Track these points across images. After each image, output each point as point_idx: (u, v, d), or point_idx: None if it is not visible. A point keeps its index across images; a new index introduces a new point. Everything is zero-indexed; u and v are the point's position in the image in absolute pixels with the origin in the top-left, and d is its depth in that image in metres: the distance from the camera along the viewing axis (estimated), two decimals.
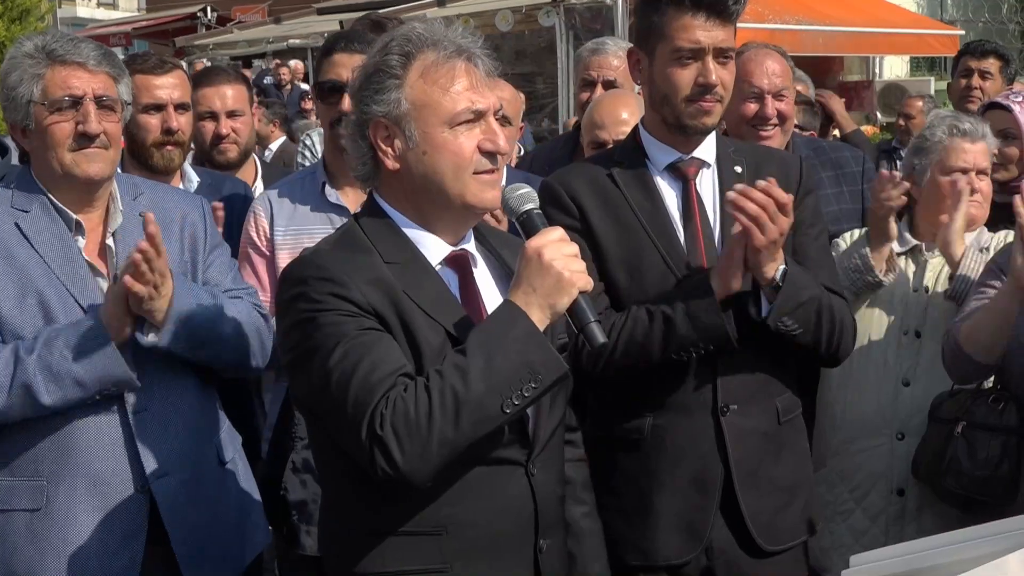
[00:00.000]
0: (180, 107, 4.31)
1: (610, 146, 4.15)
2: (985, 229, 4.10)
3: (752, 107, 4.31)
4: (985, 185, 4.01)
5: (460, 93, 2.58)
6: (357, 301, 2.48)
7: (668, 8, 3.16)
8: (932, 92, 14.61)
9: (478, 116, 2.60)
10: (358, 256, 2.57)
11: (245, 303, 3.39)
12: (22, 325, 3.09)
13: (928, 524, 3.85)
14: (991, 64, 6.48)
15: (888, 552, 2.37)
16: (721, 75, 3.16)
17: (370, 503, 2.58)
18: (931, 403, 3.82)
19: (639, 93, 3.83)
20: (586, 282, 2.50)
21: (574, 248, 2.52)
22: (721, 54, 3.15)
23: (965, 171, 3.97)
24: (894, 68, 23.15)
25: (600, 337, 2.53)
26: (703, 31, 3.12)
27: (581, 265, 2.51)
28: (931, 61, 24.02)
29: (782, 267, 3.08)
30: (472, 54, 2.62)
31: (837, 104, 7.60)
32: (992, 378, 3.75)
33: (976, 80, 6.45)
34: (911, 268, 4.07)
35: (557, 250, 2.48)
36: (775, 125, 4.31)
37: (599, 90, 5.12)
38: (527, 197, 2.61)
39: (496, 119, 2.64)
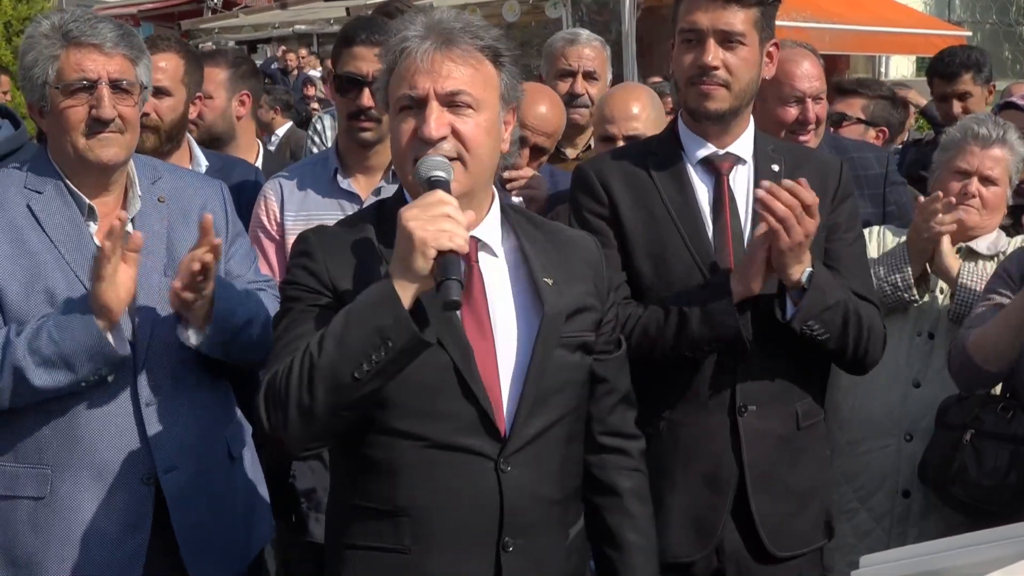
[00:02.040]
0: (158, 91, 4.25)
1: (619, 141, 4.14)
2: (1003, 234, 4.09)
3: (793, 111, 4.26)
4: (989, 192, 3.97)
5: (403, 79, 2.56)
6: (319, 276, 2.57)
7: None
8: None
9: (416, 102, 2.55)
10: (347, 234, 2.63)
11: (269, 297, 3.37)
12: (27, 310, 3.06)
13: (932, 527, 3.83)
14: (965, 83, 6.14)
15: (897, 554, 2.36)
16: (725, 59, 3.12)
17: (346, 476, 2.66)
18: (938, 407, 3.80)
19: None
20: (447, 240, 2.36)
21: (444, 208, 2.39)
22: (726, 38, 3.12)
23: (967, 174, 3.96)
24: (900, 68, 23.11)
25: (452, 294, 2.34)
26: (704, 13, 3.12)
27: (448, 224, 2.37)
28: None
29: (808, 269, 3.05)
30: (446, 39, 2.56)
31: (914, 96, 7.51)
32: (1000, 385, 3.71)
33: (957, 106, 6.12)
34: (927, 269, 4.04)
35: (419, 211, 2.39)
36: (812, 129, 4.28)
37: (579, 80, 5.10)
38: (432, 165, 2.50)
39: (453, 104, 2.54)
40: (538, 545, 2.65)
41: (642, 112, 4.21)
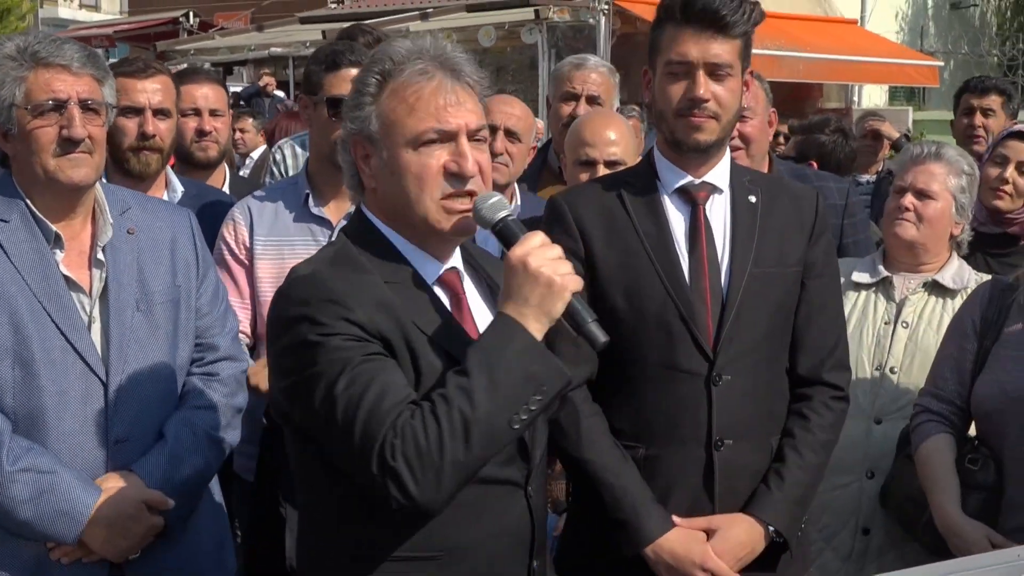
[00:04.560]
0: (160, 112, 4.26)
1: (599, 165, 4.14)
2: (965, 265, 4.10)
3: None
4: (925, 206, 3.99)
5: (427, 112, 2.52)
6: (363, 324, 2.42)
7: (666, 23, 3.13)
8: (910, 122, 14.70)
9: (445, 136, 2.52)
10: (360, 276, 2.50)
11: (238, 344, 3.38)
12: None
13: (891, 564, 3.78)
14: (993, 101, 6.38)
15: None
16: (715, 91, 3.08)
17: (363, 527, 2.50)
18: (899, 436, 3.80)
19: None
20: (576, 283, 2.45)
21: (558, 250, 2.46)
22: (715, 69, 3.08)
23: (903, 191, 4.02)
24: (872, 97, 23.31)
25: (601, 336, 2.46)
26: (693, 44, 3.07)
27: (568, 267, 2.45)
28: (910, 91, 24.20)
29: (768, 532, 3.15)
30: (454, 71, 2.57)
31: (887, 128, 7.68)
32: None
33: (979, 118, 6.34)
34: (882, 301, 4.05)
35: (542, 256, 2.42)
36: (739, 148, 4.22)
37: (582, 104, 5.14)
38: (499, 205, 2.52)
39: (474, 140, 2.55)
40: (544, 562, 2.74)
41: (620, 138, 4.21)
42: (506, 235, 2.51)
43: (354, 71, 3.82)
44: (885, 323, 4.00)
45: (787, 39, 16.33)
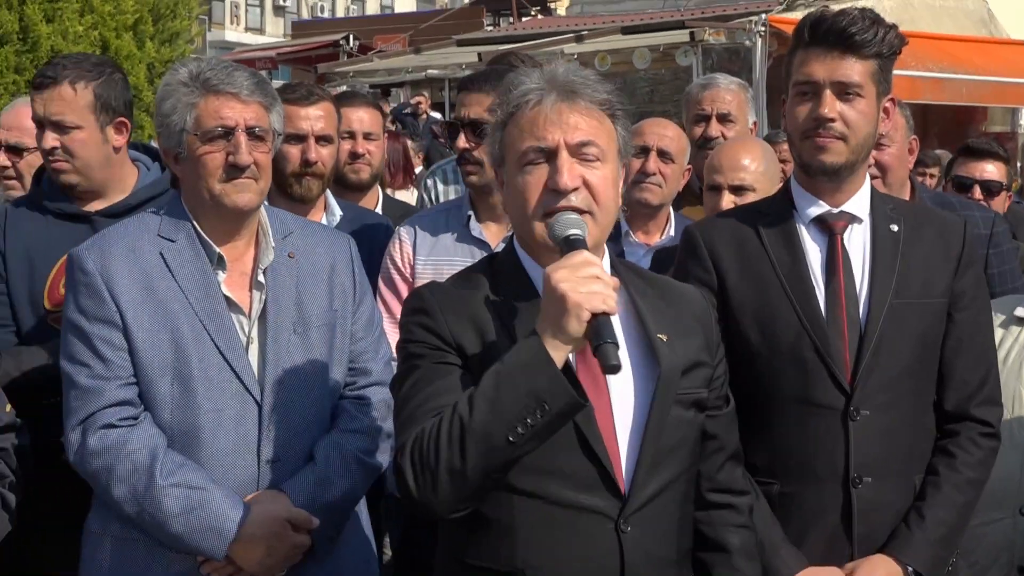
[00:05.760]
0: (322, 139, 4.37)
1: (724, 190, 4.12)
2: None
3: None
4: None
5: (529, 132, 2.55)
6: (441, 333, 2.55)
7: (797, 47, 3.12)
8: None
9: (545, 154, 2.54)
10: (465, 292, 2.62)
11: (368, 418, 3.39)
12: (152, 358, 3.11)
13: None
14: None
15: None
16: (842, 111, 3.04)
17: (458, 532, 2.58)
18: None
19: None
20: (600, 303, 2.34)
21: (593, 270, 2.38)
22: (843, 90, 3.04)
23: None
24: None
25: (611, 359, 2.33)
26: (820, 64, 3.04)
27: (598, 286, 2.36)
28: None
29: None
30: (568, 92, 2.57)
31: None
32: None
33: None
34: None
35: (568, 272, 2.37)
36: (876, 177, 4.06)
37: (714, 123, 5.11)
38: (569, 223, 2.49)
39: (580, 156, 2.53)
40: None
41: (752, 163, 4.15)
42: (565, 252, 2.48)
43: (479, 95, 3.90)
44: None
45: (951, 61, 15.91)
